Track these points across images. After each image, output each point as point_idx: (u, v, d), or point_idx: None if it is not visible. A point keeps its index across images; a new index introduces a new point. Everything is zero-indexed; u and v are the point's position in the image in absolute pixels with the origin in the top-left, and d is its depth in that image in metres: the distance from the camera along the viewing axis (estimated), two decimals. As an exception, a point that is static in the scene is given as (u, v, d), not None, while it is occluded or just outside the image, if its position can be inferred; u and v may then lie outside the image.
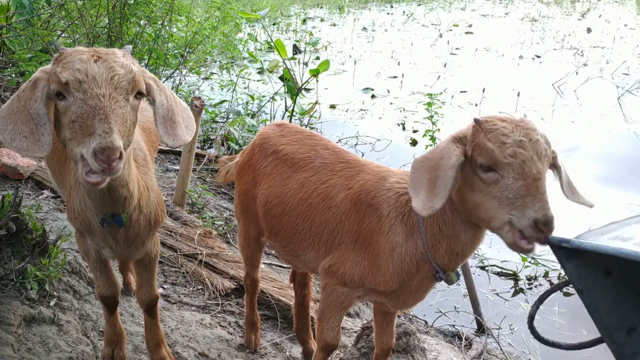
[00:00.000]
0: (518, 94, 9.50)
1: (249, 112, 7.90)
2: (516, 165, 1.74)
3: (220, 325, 3.36)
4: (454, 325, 4.30)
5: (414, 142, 7.94)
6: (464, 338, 3.98)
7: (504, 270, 5.08)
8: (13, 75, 6.22)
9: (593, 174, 6.84)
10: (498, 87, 10.30)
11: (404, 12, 20.73)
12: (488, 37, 15.50)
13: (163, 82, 3.34)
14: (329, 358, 2.58)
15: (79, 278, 3.18)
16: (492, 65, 12.41)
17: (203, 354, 3.00)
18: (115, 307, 2.52)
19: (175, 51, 7.64)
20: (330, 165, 2.46)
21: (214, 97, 8.59)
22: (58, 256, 2.94)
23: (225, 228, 4.73)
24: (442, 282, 2.18)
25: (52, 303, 2.84)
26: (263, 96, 8.46)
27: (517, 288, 4.89)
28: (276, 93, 7.63)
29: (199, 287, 3.71)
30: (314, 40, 8.21)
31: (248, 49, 11.11)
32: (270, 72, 9.55)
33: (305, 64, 7.99)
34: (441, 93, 8.90)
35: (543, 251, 5.01)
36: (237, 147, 6.40)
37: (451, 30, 16.34)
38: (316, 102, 7.68)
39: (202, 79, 9.64)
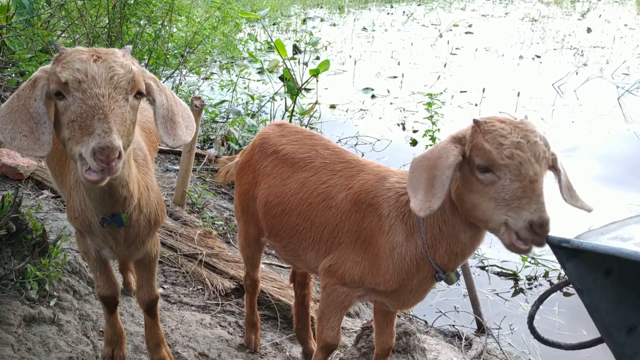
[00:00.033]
0: (518, 94, 9.50)
1: (249, 112, 7.90)
2: (513, 166, 1.74)
3: (220, 325, 3.36)
4: (454, 325, 4.30)
5: (414, 142, 7.94)
6: (464, 338, 3.98)
7: (504, 270, 5.08)
8: (13, 75, 6.22)
9: (593, 174, 6.84)
10: (498, 87, 10.30)
11: (404, 12, 20.73)
12: (488, 37, 15.50)
13: (163, 82, 3.34)
14: (329, 358, 2.58)
15: (79, 278, 3.18)
16: (492, 65, 12.41)
17: (203, 354, 3.00)
18: (115, 307, 2.52)
19: (175, 51, 7.64)
20: (331, 165, 2.46)
21: (214, 97, 8.59)
22: (58, 256, 2.94)
23: (225, 228, 4.73)
24: (442, 282, 2.18)
25: (52, 303, 2.84)
26: (263, 96, 8.46)
27: (517, 288, 4.89)
28: (276, 93, 7.63)
29: (199, 287, 3.71)
30: (314, 40, 8.21)
31: (248, 49, 11.12)
32: (270, 72, 9.56)
33: (305, 64, 7.99)
34: (441, 93, 8.90)
35: (543, 251, 5.01)
36: (237, 147, 6.40)
37: (451, 30, 16.34)
38: (316, 102, 7.68)
39: (202, 79, 9.64)
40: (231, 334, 3.30)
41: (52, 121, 1.76)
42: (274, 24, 16.58)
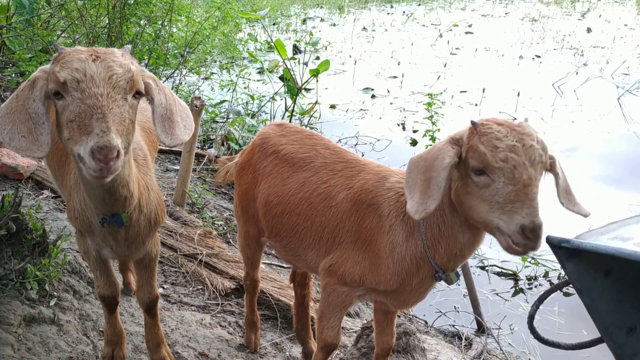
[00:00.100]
0: (518, 94, 9.50)
1: (249, 112, 7.90)
2: (507, 170, 1.73)
3: (220, 325, 3.36)
4: (454, 325, 4.30)
5: (414, 142, 7.94)
6: (464, 338, 3.97)
7: (504, 270, 5.08)
8: (13, 75, 6.22)
9: (593, 174, 6.84)
10: (498, 87, 10.30)
11: (404, 12, 20.73)
12: (488, 37, 15.50)
13: (163, 82, 3.34)
14: (329, 358, 2.58)
15: (79, 278, 3.18)
16: (492, 65, 12.41)
17: (203, 354, 3.00)
18: (115, 307, 2.52)
19: (175, 51, 7.64)
20: (331, 165, 2.46)
21: (214, 97, 8.59)
22: (58, 256, 2.94)
23: (225, 228, 4.73)
24: (442, 282, 2.18)
25: (52, 303, 2.84)
26: (263, 96, 8.46)
27: (517, 288, 4.89)
28: (276, 93, 7.63)
29: (199, 287, 3.71)
30: (314, 40, 8.21)
31: (248, 49, 11.12)
32: (270, 72, 9.55)
33: (305, 64, 7.99)
34: (441, 93, 8.90)
35: (543, 251, 5.01)
36: (237, 147, 6.40)
37: (451, 30, 16.34)
38: (316, 102, 7.68)
39: (202, 79, 9.64)
40: (231, 334, 3.30)
41: (51, 122, 1.76)
42: (274, 24, 16.58)
